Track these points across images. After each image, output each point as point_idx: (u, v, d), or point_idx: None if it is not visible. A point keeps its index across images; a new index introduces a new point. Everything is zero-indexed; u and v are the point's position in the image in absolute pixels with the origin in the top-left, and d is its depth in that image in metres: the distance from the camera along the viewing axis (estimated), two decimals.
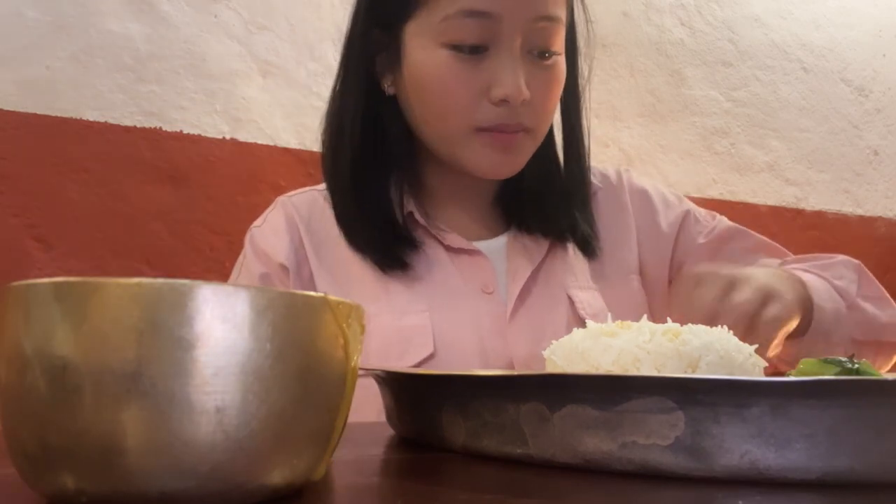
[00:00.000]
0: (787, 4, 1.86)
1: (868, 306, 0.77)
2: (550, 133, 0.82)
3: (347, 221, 0.80)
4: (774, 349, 0.65)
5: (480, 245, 0.81)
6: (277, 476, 0.27)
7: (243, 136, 1.27)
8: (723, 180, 1.77)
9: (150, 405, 0.24)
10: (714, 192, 1.74)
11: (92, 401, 0.24)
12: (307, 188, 0.87)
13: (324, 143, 0.82)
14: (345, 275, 0.78)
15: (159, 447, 0.24)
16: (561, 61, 0.77)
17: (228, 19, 1.27)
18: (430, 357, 0.72)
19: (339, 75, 0.81)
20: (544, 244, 0.81)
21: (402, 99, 0.78)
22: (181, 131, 1.22)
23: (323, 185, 0.84)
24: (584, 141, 0.83)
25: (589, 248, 0.82)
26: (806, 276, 0.73)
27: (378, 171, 0.80)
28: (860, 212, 1.90)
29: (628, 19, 1.68)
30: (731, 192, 1.77)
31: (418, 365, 0.72)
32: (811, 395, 0.31)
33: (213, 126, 1.24)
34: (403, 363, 0.72)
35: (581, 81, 0.83)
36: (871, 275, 0.80)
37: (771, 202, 1.81)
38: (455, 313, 0.75)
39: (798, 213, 1.83)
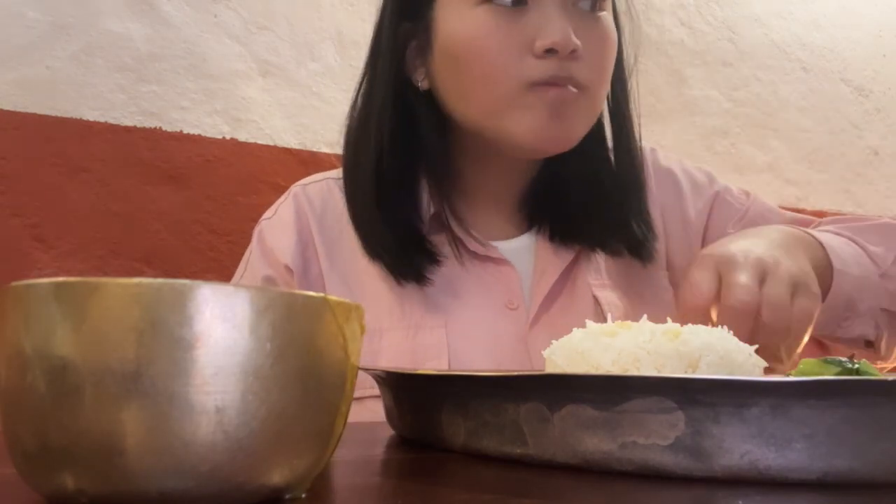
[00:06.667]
0: (787, 4, 1.85)
1: None
2: (599, 125, 0.74)
3: (366, 228, 0.74)
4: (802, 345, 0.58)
5: (505, 245, 0.76)
6: (277, 476, 0.27)
7: (243, 136, 1.26)
8: (723, 180, 1.76)
9: (150, 405, 0.24)
10: None
11: (92, 401, 0.24)
12: (322, 175, 0.82)
13: (347, 146, 0.77)
14: (358, 282, 0.74)
15: (159, 447, 0.24)
16: (609, 20, 0.71)
17: (228, 19, 1.27)
18: None
19: (365, 74, 0.76)
20: (575, 246, 0.75)
21: (437, 84, 0.72)
22: (181, 131, 1.22)
23: (337, 173, 0.80)
24: (635, 132, 0.76)
25: (645, 251, 0.75)
26: (826, 237, 0.68)
27: (405, 173, 0.75)
28: (860, 212, 1.90)
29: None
30: None
31: None
32: (811, 395, 0.31)
33: (213, 126, 1.24)
34: None
35: (627, 66, 0.76)
36: None
37: (771, 202, 1.80)
38: (473, 330, 0.70)
39: (798, 213, 1.82)
